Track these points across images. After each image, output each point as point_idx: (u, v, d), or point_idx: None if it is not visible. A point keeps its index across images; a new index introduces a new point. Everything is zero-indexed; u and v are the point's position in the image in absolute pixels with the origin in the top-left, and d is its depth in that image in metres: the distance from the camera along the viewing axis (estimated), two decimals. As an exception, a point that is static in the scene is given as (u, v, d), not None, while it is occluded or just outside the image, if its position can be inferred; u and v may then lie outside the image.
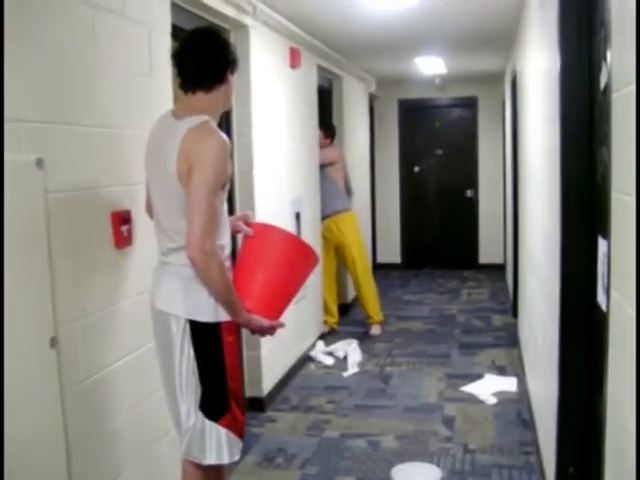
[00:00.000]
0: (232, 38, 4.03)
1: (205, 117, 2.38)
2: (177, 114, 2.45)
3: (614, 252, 1.74)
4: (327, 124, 6.37)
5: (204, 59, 2.42)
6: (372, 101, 9.17)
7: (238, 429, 2.57)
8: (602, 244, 2.26)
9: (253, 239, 2.67)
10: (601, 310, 2.28)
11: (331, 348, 5.67)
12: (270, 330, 2.61)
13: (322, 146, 6.13)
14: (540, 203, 3.65)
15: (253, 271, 2.60)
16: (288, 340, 4.87)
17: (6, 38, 1.98)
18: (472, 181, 9.60)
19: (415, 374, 5.13)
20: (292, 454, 3.78)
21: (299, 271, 2.71)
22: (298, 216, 5.19)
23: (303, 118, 5.47)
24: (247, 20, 4.06)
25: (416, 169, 9.71)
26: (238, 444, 2.58)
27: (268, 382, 4.50)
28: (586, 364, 2.59)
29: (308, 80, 5.62)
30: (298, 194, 5.26)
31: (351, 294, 7.22)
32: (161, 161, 2.38)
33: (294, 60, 5.05)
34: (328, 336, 6.02)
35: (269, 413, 4.38)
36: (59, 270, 2.27)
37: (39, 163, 2.15)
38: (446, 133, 9.65)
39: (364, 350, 5.67)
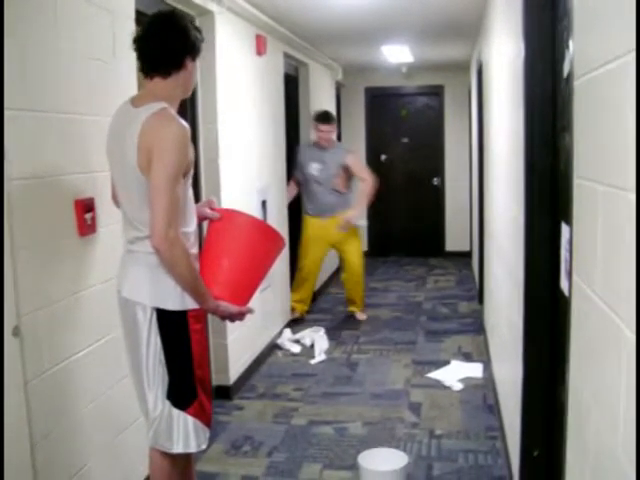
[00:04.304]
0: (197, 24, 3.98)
1: (163, 104, 2.35)
2: (136, 101, 2.41)
3: (576, 237, 1.76)
4: (332, 114, 6.20)
5: (161, 44, 2.38)
6: (339, 89, 9.16)
7: (206, 417, 2.56)
8: (565, 230, 2.28)
9: (218, 224, 2.65)
10: (564, 295, 2.31)
11: (298, 336, 5.67)
12: (239, 316, 2.61)
13: (330, 140, 5.97)
14: (505, 190, 3.69)
15: (219, 257, 2.58)
16: (255, 328, 4.86)
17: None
18: (438, 169, 9.65)
19: (382, 361, 5.15)
20: (259, 442, 3.78)
21: (266, 255, 2.70)
22: (264, 204, 5.17)
23: (270, 105, 5.45)
24: (212, 6, 4.02)
25: (383, 157, 9.73)
26: (205, 432, 2.57)
27: (235, 370, 4.49)
28: (550, 349, 2.63)
29: (274, 67, 5.59)
30: (265, 182, 5.24)
31: (318, 283, 7.22)
32: (121, 150, 2.35)
33: (260, 47, 5.02)
34: (295, 324, 6.02)
35: (236, 401, 4.38)
36: (21, 259, 2.23)
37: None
38: (413, 121, 9.68)
39: (331, 338, 5.68)
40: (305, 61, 6.81)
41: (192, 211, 2.52)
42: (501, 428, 3.74)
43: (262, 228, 2.75)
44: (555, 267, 2.49)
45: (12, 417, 2.18)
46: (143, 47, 2.39)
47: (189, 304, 2.44)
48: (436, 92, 9.56)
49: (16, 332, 2.20)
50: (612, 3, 1.33)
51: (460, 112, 9.34)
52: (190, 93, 2.57)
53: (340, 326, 6.08)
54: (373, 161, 9.60)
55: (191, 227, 2.48)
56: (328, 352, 5.36)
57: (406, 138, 9.68)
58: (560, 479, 2.05)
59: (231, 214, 2.72)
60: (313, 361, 5.15)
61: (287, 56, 6.07)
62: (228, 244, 2.62)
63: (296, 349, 5.43)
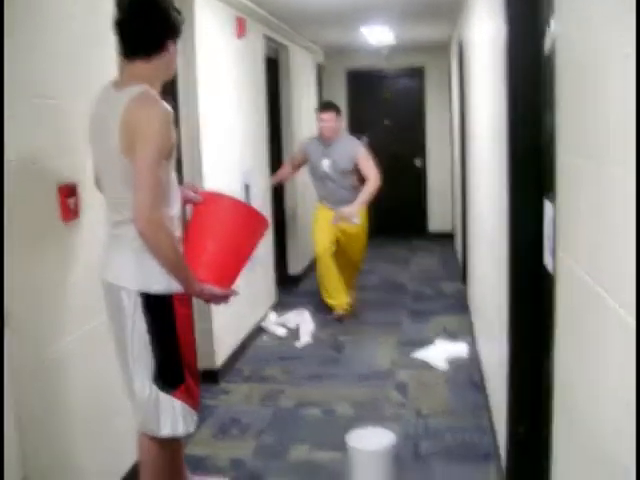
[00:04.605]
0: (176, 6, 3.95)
1: (145, 86, 2.34)
2: (118, 84, 2.40)
3: (560, 212, 1.77)
4: (332, 103, 5.90)
5: (142, 26, 2.37)
6: (320, 72, 9.11)
7: (193, 401, 2.57)
8: (548, 207, 2.30)
9: (202, 207, 2.65)
10: (548, 271, 2.33)
11: (283, 319, 5.67)
12: (224, 299, 2.61)
13: (333, 130, 5.58)
14: (488, 169, 3.70)
15: (203, 240, 2.58)
16: (240, 312, 4.85)
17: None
18: (420, 150, 9.66)
19: (367, 342, 5.18)
20: (247, 424, 3.79)
21: (249, 237, 2.71)
22: (248, 188, 5.15)
23: (251, 89, 5.41)
24: (192, -11, 3.98)
25: (365, 139, 9.69)
26: (193, 416, 2.58)
27: (221, 354, 4.49)
28: (534, 325, 2.65)
29: (255, 50, 5.55)
30: (247, 166, 5.22)
31: (301, 266, 7.22)
32: (104, 134, 2.34)
33: (240, 29, 4.98)
34: (280, 307, 6.02)
35: (222, 385, 4.38)
36: (7, 245, 2.21)
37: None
38: (394, 103, 9.66)
39: (316, 320, 5.68)
40: (285, 43, 6.77)
41: (175, 194, 2.51)
42: (487, 406, 3.77)
43: (245, 210, 2.75)
44: (538, 244, 2.51)
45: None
46: (124, 30, 2.37)
47: (174, 288, 2.43)
48: (417, 73, 9.54)
49: (4, 320, 2.18)
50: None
51: (441, 93, 9.34)
52: (172, 75, 2.55)
53: (325, 309, 6.07)
54: (355, 143, 9.58)
55: (174, 210, 2.48)
56: (314, 334, 5.36)
57: (388, 120, 9.67)
58: (546, 455, 2.08)
59: (214, 197, 2.72)
60: (299, 344, 5.16)
61: (267, 38, 6.04)
62: (212, 227, 2.62)
63: (282, 332, 5.43)
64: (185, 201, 2.65)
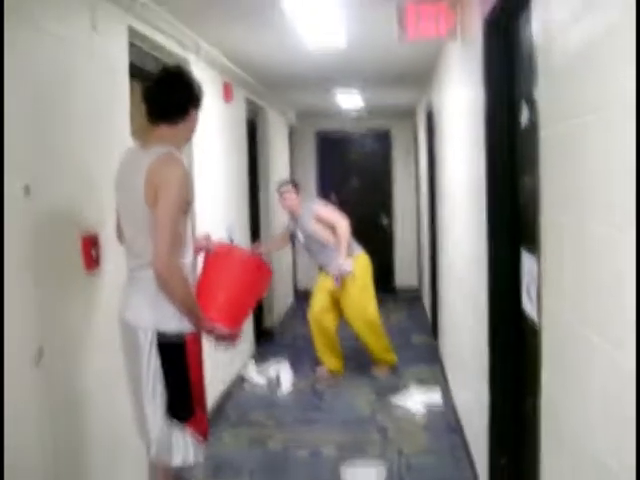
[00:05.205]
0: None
1: (170, 148, 2.64)
2: (144, 145, 2.69)
3: (544, 263, 2.08)
4: (291, 180, 6.36)
5: (170, 95, 2.68)
6: (291, 133, 9.52)
7: (202, 431, 2.81)
8: (527, 258, 2.62)
9: (214, 257, 2.94)
10: (525, 315, 2.64)
11: (263, 369, 5.88)
12: (232, 338, 2.87)
13: (295, 205, 5.76)
14: (465, 227, 4.02)
15: (214, 285, 2.86)
16: (222, 361, 5.06)
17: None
18: (387, 209, 10.07)
19: (345, 390, 5.42)
20: (239, 465, 3.99)
21: (255, 286, 3.00)
22: (231, 241, 5.41)
23: (235, 149, 5.74)
24: (189, 56, 4.31)
25: (333, 198, 10.07)
26: (202, 446, 2.81)
27: (208, 402, 4.67)
28: (514, 365, 2.94)
29: (238, 113, 5.90)
30: (231, 220, 5.51)
31: (275, 318, 7.46)
32: (131, 186, 2.61)
33: (227, 94, 5.32)
34: (259, 358, 6.22)
35: (212, 429, 4.55)
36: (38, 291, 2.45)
37: (27, 190, 2.35)
38: (361, 164, 10.10)
39: (294, 370, 5.89)
40: (263, 106, 7.14)
41: (189, 244, 2.78)
42: (464, 445, 4.04)
43: (253, 263, 3.05)
44: (516, 292, 2.82)
45: (31, 427, 2.38)
46: (154, 97, 2.67)
47: (187, 327, 2.68)
48: (384, 136, 10.01)
49: (38, 359, 2.40)
50: (579, 68, 1.68)
51: (407, 155, 9.82)
52: (191, 138, 2.85)
53: (301, 359, 6.29)
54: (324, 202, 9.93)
55: (188, 258, 2.74)
56: (294, 383, 5.58)
57: (355, 179, 10.08)
58: None
59: (226, 249, 3.01)
60: (280, 392, 5.38)
61: (248, 102, 6.39)
62: (222, 276, 2.90)
63: (262, 381, 5.64)
64: (198, 249, 2.92)
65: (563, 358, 1.87)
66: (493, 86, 2.96)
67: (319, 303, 5.84)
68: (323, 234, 5.73)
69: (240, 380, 5.62)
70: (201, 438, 2.80)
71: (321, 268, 5.98)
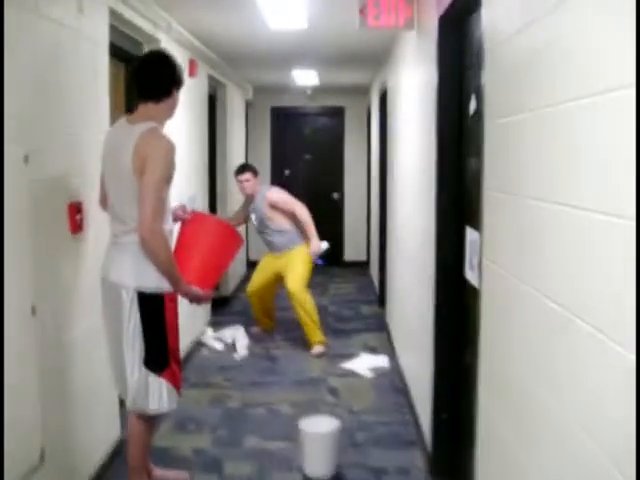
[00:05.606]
0: (145, 50, 4.49)
1: (154, 123, 2.89)
2: (131, 120, 2.94)
3: (485, 233, 2.41)
4: (249, 165, 6.32)
5: (156, 76, 2.95)
6: (247, 108, 9.73)
7: (176, 382, 3.11)
8: (470, 232, 2.96)
9: (190, 224, 3.23)
10: (467, 283, 2.98)
11: (219, 334, 6.17)
12: (205, 298, 3.17)
13: (251, 190, 5.98)
14: (415, 204, 4.35)
15: (190, 250, 3.16)
16: (181, 327, 5.30)
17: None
18: (338, 184, 10.39)
19: (298, 355, 5.75)
20: (201, 421, 4.28)
21: (227, 250, 3.30)
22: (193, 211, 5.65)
23: (197, 124, 5.96)
24: (160, 35, 4.52)
25: (286, 172, 10.36)
26: (176, 395, 3.10)
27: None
28: (455, 327, 3.30)
29: (201, 88, 6.11)
30: (192, 192, 5.74)
31: (231, 287, 7.74)
32: (118, 158, 2.86)
33: (192, 70, 5.53)
34: (215, 324, 6.51)
35: (173, 389, 4.83)
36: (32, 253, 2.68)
37: (26, 159, 2.57)
38: (315, 140, 10.38)
39: (249, 337, 6.20)
40: (223, 81, 7.35)
41: (169, 212, 3.05)
42: (409, 404, 4.41)
43: (225, 229, 3.33)
44: (459, 261, 3.17)
45: (28, 379, 2.63)
46: (140, 78, 2.93)
47: (165, 287, 2.96)
48: (337, 113, 10.30)
49: (33, 311, 2.65)
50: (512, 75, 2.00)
51: (359, 132, 10.13)
52: (173, 115, 3.09)
53: (254, 325, 6.58)
54: (277, 176, 10.21)
55: (168, 225, 3.01)
56: (249, 348, 5.89)
57: (308, 155, 10.37)
58: (466, 436, 2.70)
59: (200, 216, 3.29)
60: (237, 356, 5.67)
61: (210, 77, 6.60)
62: (198, 241, 3.19)
63: (219, 346, 5.92)
64: (175, 218, 3.19)
65: (500, 309, 2.21)
66: (446, 77, 3.27)
67: (258, 282, 6.24)
68: (276, 219, 5.99)
69: (198, 346, 5.89)
70: (175, 388, 3.09)
71: (270, 249, 6.22)
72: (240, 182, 6.04)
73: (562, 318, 1.59)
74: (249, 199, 6.13)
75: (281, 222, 6.02)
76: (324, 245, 5.97)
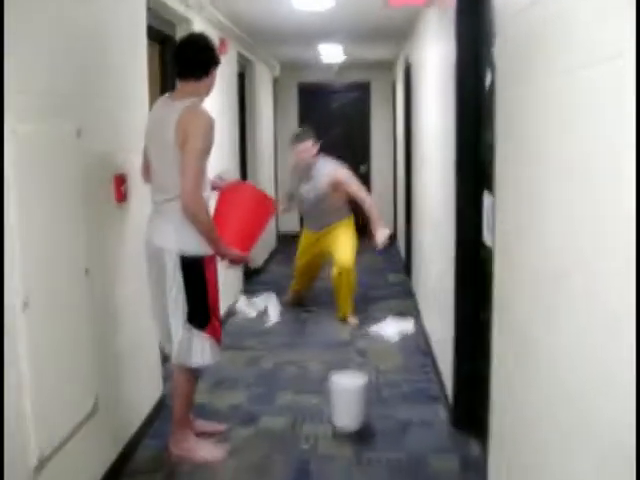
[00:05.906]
0: (178, 30, 4.73)
1: (195, 100, 3.15)
2: (174, 97, 3.20)
3: (497, 201, 2.63)
4: (308, 129, 5.79)
5: (197, 56, 3.20)
6: (275, 84, 9.95)
7: (217, 336, 3.38)
8: (487, 198, 3.17)
9: (227, 192, 3.50)
10: (485, 246, 3.20)
11: (252, 302, 6.44)
12: (243, 260, 3.44)
13: (311, 159, 5.57)
14: (436, 172, 4.57)
15: (229, 216, 3.42)
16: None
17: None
18: (365, 157, 10.59)
19: (327, 320, 6.01)
20: (236, 380, 4.57)
21: (263, 215, 3.58)
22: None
23: (227, 102, 6.21)
24: (192, 15, 4.75)
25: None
26: (217, 349, 3.37)
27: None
28: (474, 286, 3.52)
29: (231, 66, 6.35)
30: (224, 166, 5.99)
31: (262, 259, 8.02)
32: (162, 131, 3.12)
33: (223, 48, 5.75)
34: (248, 292, 6.79)
35: (210, 352, 5.13)
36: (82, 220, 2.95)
37: (78, 133, 2.84)
38: (342, 114, 10.58)
39: (280, 303, 6.47)
40: (251, 59, 7.57)
41: (208, 181, 3.30)
42: (433, 364, 4.65)
43: (260, 195, 3.61)
44: (479, 225, 3.38)
45: (83, 331, 2.91)
46: (182, 58, 3.18)
47: (206, 251, 3.22)
48: (363, 88, 10.48)
49: (87, 272, 2.92)
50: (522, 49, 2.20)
51: (385, 106, 10.32)
52: (211, 92, 3.34)
53: (285, 294, 6.83)
54: (306, 150, 10.41)
55: (207, 192, 3.27)
56: (281, 313, 6.17)
57: (335, 129, 10.56)
58: (485, 390, 2.90)
59: (237, 184, 3.57)
60: (269, 321, 5.96)
61: (239, 55, 6.82)
62: (235, 206, 3.46)
63: (253, 313, 6.21)
64: (213, 187, 3.47)
65: (510, 264, 2.43)
66: (464, 51, 3.47)
67: (306, 264, 6.24)
68: (334, 196, 5.67)
69: (232, 313, 6.18)
70: (217, 342, 3.36)
71: (307, 225, 6.15)
72: (299, 152, 5.53)
73: (561, 270, 1.82)
74: (303, 170, 5.63)
75: (336, 200, 5.73)
76: (387, 231, 5.78)
